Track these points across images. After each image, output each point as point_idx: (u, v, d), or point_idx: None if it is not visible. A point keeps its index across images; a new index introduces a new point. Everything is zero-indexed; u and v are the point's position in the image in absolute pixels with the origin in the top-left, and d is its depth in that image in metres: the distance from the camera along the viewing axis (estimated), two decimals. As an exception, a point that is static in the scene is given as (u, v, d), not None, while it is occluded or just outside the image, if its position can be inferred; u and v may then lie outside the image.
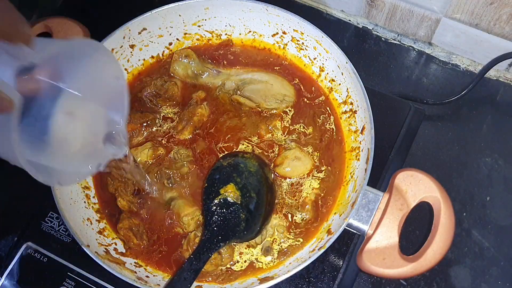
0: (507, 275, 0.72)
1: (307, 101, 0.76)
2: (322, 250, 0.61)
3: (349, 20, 0.92)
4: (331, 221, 0.68)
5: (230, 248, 0.67)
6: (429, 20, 0.83)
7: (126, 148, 0.58)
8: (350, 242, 0.70)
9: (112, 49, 0.74)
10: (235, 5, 0.76)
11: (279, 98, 0.76)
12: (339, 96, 0.75)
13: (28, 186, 0.54)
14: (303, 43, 0.77)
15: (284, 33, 0.77)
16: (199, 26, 0.79)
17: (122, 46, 0.75)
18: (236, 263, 0.67)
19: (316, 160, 0.72)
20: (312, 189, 0.70)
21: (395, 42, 0.90)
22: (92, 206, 0.69)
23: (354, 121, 0.72)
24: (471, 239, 0.75)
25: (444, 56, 0.88)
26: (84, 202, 0.69)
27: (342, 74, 0.73)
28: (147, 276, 0.65)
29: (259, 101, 0.75)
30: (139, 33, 0.76)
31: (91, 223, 0.68)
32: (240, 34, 0.80)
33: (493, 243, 0.74)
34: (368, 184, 0.64)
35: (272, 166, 0.71)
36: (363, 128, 0.70)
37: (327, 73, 0.76)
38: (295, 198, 0.70)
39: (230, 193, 0.68)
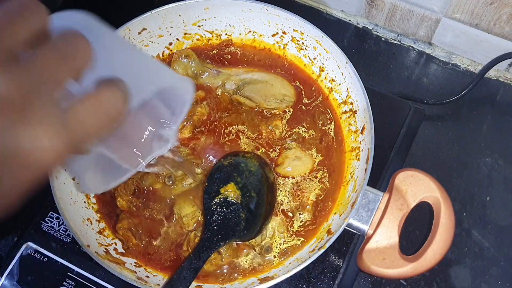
0: (507, 275, 0.72)
1: (307, 101, 0.76)
2: (322, 250, 0.61)
3: (349, 20, 0.92)
4: (331, 221, 0.68)
5: (231, 248, 0.67)
6: (429, 20, 0.83)
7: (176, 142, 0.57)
8: (350, 242, 0.70)
9: (112, 49, 0.74)
10: (235, 5, 0.76)
11: (279, 98, 0.76)
12: (339, 96, 0.75)
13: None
14: (303, 43, 0.77)
15: (284, 33, 0.77)
16: (199, 26, 0.79)
17: (122, 46, 0.75)
18: (236, 263, 0.67)
19: (316, 160, 0.72)
20: (313, 189, 0.70)
21: (395, 42, 0.90)
22: (92, 206, 0.69)
23: (354, 121, 0.72)
24: (471, 239, 0.75)
25: (444, 56, 0.88)
26: (84, 202, 0.69)
27: (342, 74, 0.73)
28: (147, 276, 0.65)
29: (259, 101, 0.75)
30: (139, 33, 0.76)
31: (91, 223, 0.68)
32: (240, 34, 0.80)
33: (493, 243, 0.74)
34: (368, 184, 0.64)
35: (273, 166, 0.71)
36: (363, 128, 0.70)
37: (327, 73, 0.76)
38: (296, 198, 0.70)
39: (231, 192, 0.68)
